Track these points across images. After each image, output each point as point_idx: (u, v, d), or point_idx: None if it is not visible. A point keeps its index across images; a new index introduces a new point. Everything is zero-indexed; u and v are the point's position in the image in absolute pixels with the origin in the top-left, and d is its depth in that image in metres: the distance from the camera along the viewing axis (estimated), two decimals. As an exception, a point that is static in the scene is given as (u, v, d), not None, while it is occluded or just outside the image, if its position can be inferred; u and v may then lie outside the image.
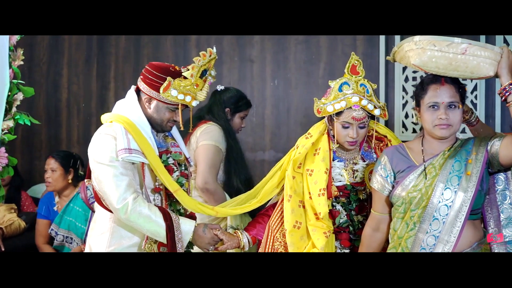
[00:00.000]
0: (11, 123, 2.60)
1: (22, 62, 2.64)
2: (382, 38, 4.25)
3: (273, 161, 4.28)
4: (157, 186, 2.52)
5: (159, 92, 2.46)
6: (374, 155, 2.62)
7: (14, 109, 2.61)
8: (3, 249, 3.78)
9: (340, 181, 2.56)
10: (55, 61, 5.04)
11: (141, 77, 2.54)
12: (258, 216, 2.76)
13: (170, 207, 2.56)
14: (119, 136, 2.42)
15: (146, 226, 2.41)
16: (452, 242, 2.21)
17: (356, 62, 2.54)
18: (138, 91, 2.56)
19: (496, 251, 2.28)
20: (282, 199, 2.63)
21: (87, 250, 2.59)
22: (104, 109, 4.71)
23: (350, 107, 2.47)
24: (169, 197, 2.56)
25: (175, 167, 2.59)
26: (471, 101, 4.05)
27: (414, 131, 4.21)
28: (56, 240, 3.80)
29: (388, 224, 2.40)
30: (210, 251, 2.55)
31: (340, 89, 2.50)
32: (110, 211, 2.47)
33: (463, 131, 3.77)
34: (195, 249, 2.60)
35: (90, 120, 4.93)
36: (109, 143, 2.42)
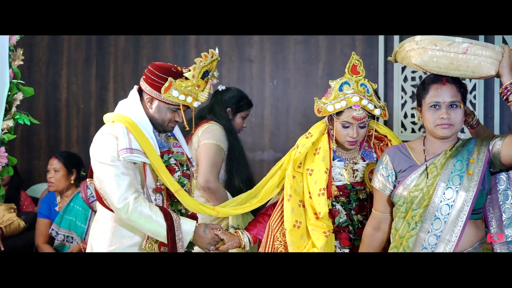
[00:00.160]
0: (11, 123, 2.59)
1: (22, 62, 2.63)
2: (381, 38, 4.25)
3: (272, 161, 4.29)
4: (159, 186, 2.52)
5: (160, 92, 2.46)
6: (374, 155, 2.62)
7: (14, 109, 2.60)
8: (2, 249, 3.78)
9: (340, 181, 2.56)
10: (55, 61, 5.02)
11: (143, 77, 2.54)
12: (258, 215, 2.76)
13: (171, 207, 2.57)
14: (121, 136, 2.42)
15: (147, 226, 2.41)
16: (453, 242, 2.21)
17: (356, 62, 2.54)
18: (140, 91, 2.56)
19: (498, 251, 2.29)
20: (282, 199, 2.63)
21: (88, 249, 2.59)
22: (103, 109, 4.69)
23: (351, 107, 2.47)
24: (171, 197, 2.56)
25: (176, 167, 2.59)
26: (470, 101, 4.05)
27: (413, 131, 4.21)
28: (56, 240, 3.80)
29: (389, 224, 2.41)
30: (211, 251, 2.55)
31: (340, 89, 2.50)
32: (112, 211, 2.47)
33: (462, 131, 3.77)
34: (196, 249, 2.60)
35: (89, 120, 4.92)
36: (110, 142, 2.43)
